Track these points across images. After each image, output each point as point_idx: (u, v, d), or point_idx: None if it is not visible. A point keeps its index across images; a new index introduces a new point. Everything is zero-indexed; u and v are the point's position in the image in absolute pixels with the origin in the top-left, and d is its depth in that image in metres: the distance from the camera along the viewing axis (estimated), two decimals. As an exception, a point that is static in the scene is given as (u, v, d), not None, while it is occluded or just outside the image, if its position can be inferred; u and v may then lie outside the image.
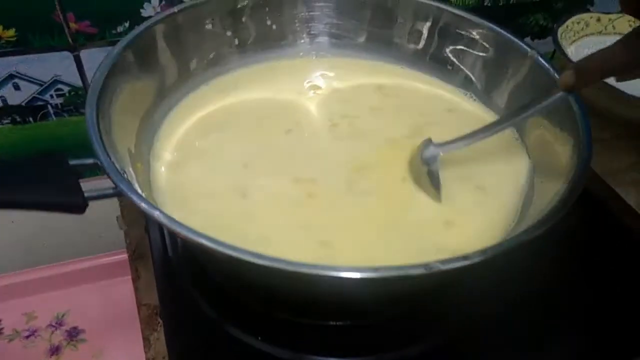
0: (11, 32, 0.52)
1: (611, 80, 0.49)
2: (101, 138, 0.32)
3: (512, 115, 0.39)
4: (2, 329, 0.65)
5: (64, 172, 0.30)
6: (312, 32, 0.53)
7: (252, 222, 0.39)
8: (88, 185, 0.33)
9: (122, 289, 0.59)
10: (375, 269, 0.27)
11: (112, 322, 0.67)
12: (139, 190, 0.36)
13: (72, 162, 0.32)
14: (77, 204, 0.29)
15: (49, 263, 0.70)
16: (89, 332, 0.66)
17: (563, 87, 0.34)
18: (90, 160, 0.33)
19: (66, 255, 0.70)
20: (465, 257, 0.28)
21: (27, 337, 0.65)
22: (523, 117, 0.38)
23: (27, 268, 0.69)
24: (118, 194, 0.31)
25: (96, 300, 0.69)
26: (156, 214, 0.29)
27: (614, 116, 0.52)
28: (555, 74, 0.41)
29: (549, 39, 0.67)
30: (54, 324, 0.67)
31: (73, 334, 0.66)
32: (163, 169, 0.42)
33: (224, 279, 0.42)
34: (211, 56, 0.50)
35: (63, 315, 0.68)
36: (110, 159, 0.32)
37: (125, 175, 0.34)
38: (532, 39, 0.70)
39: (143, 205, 0.29)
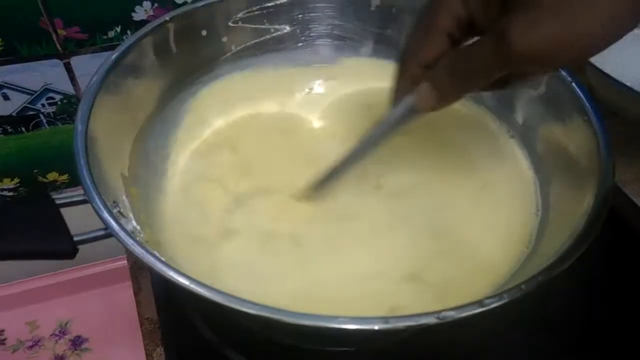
0: (-3, 41, 0.50)
1: (627, 79, 0.47)
2: (93, 181, 0.30)
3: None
4: (5, 339, 0.65)
5: (51, 216, 0.28)
6: (312, 35, 0.51)
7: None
8: (77, 226, 0.31)
9: (125, 295, 0.58)
10: (386, 320, 0.25)
11: (116, 330, 0.66)
12: (134, 223, 0.35)
13: (59, 200, 0.30)
14: (66, 251, 0.27)
15: (50, 271, 0.68)
16: (93, 340, 0.66)
17: (422, 109, 0.29)
18: (78, 197, 0.31)
19: (67, 262, 0.69)
20: (480, 304, 0.26)
21: (31, 347, 0.65)
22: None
23: (28, 277, 0.68)
24: (110, 235, 0.29)
25: (99, 307, 0.68)
26: (153, 262, 0.27)
27: (631, 117, 0.49)
28: (573, 84, 0.39)
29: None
30: (57, 333, 0.66)
31: (77, 343, 0.65)
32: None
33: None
34: (207, 63, 0.48)
35: (66, 324, 0.67)
36: (102, 199, 0.30)
37: (118, 209, 0.33)
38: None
39: (137, 250, 0.28)
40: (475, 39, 0.27)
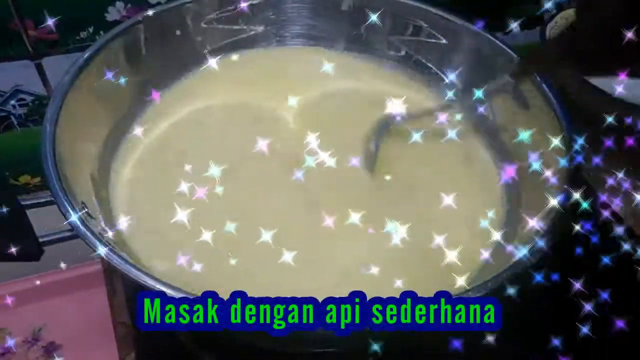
0: (-35, 42, 0.49)
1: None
2: (59, 179, 0.30)
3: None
4: (-25, 347, 0.63)
5: (15, 217, 0.27)
6: (286, 34, 0.51)
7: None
8: (42, 226, 0.31)
9: (100, 300, 0.57)
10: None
11: (91, 335, 0.64)
12: (103, 224, 0.34)
13: (25, 202, 0.29)
14: (31, 253, 0.27)
15: (22, 276, 0.67)
16: (67, 347, 0.64)
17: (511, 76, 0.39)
18: (45, 198, 0.30)
19: (40, 266, 0.68)
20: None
21: (2, 354, 0.63)
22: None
23: (1, 281, 0.66)
24: (76, 236, 0.29)
25: (73, 313, 0.67)
26: (118, 262, 0.27)
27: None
28: (538, 78, 0.40)
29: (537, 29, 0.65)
30: (30, 339, 0.64)
31: (50, 350, 0.64)
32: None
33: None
34: (181, 63, 0.48)
35: (39, 330, 0.65)
36: (69, 200, 0.29)
37: (86, 210, 0.32)
38: (522, 29, 0.68)
39: (102, 251, 0.27)
40: None
